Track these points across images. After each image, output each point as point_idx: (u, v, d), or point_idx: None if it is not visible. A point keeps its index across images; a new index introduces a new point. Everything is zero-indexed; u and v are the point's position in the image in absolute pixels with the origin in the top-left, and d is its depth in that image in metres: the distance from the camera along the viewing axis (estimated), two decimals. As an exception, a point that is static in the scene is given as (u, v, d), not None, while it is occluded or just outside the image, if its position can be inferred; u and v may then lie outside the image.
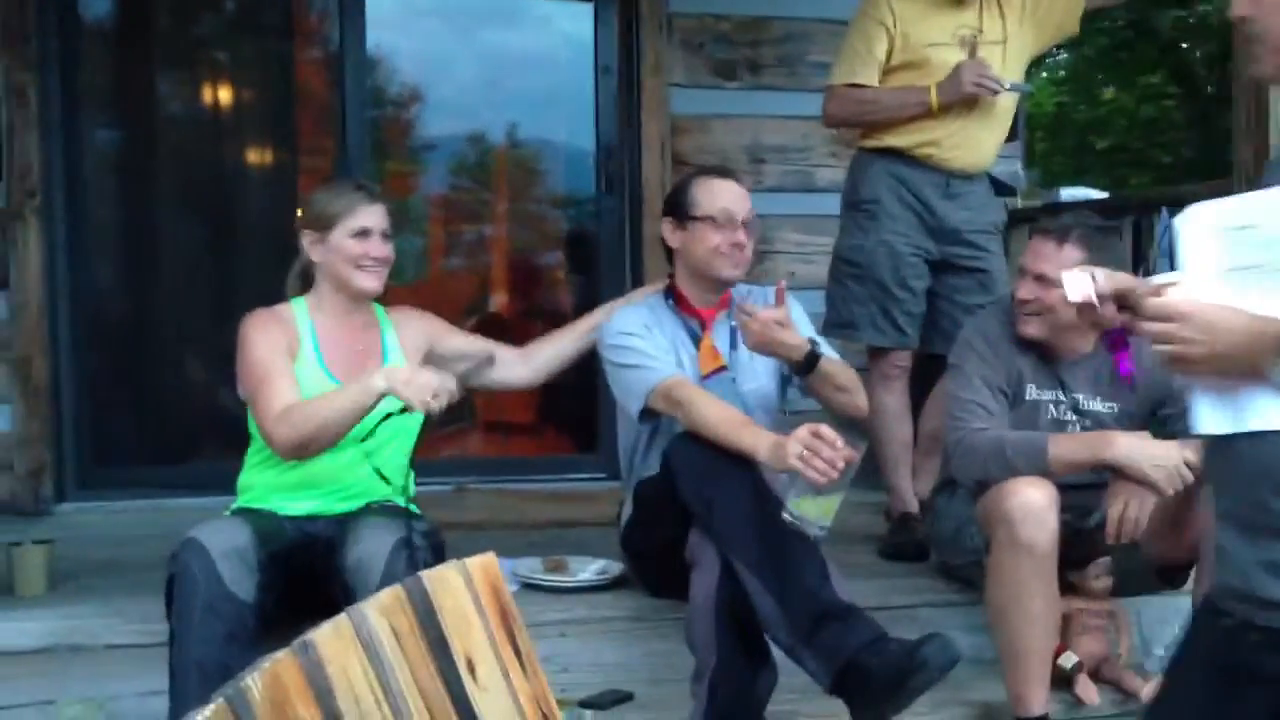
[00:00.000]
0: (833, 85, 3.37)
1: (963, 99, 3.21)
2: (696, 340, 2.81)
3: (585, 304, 5.01)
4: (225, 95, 4.84)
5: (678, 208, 2.82)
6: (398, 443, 2.62)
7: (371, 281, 2.67)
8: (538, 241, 6.52)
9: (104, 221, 4.45)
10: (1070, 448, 2.54)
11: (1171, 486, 2.46)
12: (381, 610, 1.09)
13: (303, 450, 2.47)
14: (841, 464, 2.29)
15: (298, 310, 2.71)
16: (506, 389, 2.98)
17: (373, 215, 2.66)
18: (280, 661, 1.05)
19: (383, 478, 2.58)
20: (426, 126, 6.22)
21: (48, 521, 3.84)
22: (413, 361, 2.72)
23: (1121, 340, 2.71)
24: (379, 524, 2.43)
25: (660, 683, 2.70)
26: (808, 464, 2.28)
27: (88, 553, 3.29)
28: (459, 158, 6.50)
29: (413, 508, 2.73)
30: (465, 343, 2.89)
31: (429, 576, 1.13)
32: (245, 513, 2.58)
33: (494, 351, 2.85)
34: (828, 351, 2.73)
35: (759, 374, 2.81)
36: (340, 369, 2.64)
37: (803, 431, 2.32)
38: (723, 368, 2.77)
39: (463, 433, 5.79)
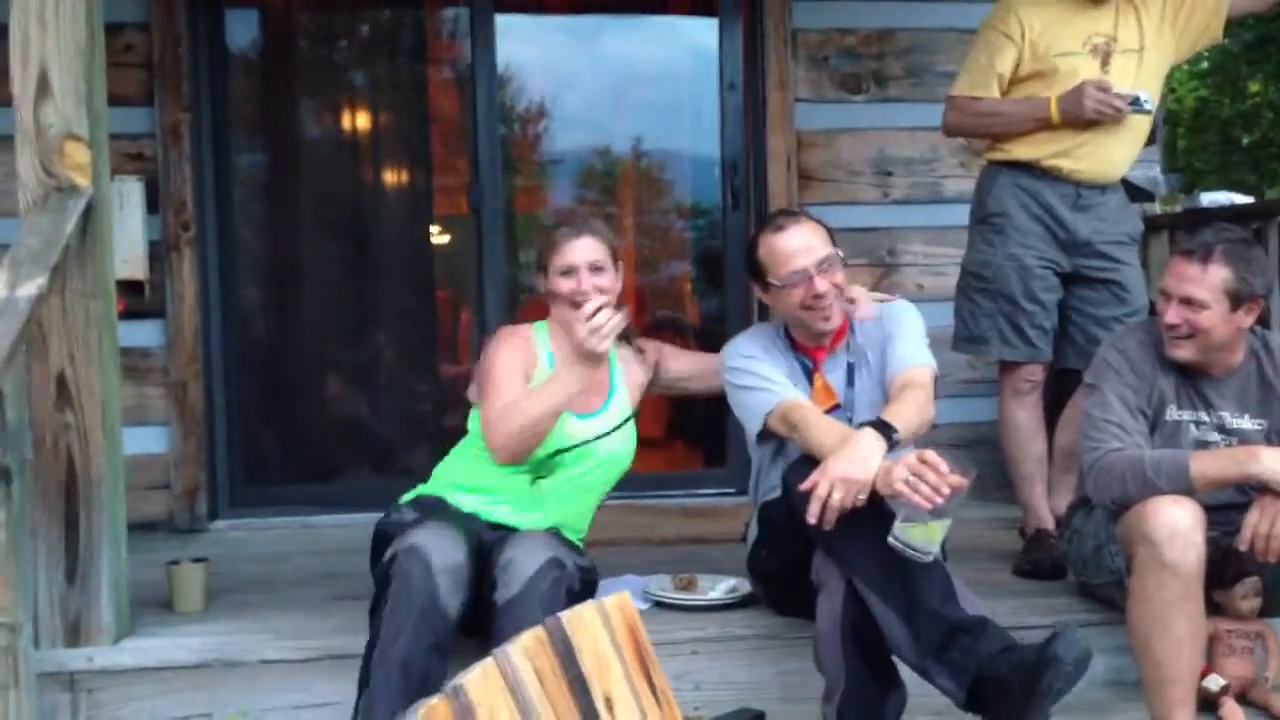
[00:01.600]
0: (953, 95, 3.34)
1: (1084, 118, 3.14)
2: (809, 376, 2.80)
3: (713, 318, 5.05)
4: (362, 118, 5.02)
5: (756, 274, 2.81)
6: (582, 497, 2.78)
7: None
8: (665, 254, 6.57)
9: (251, 247, 4.65)
10: (1214, 464, 2.48)
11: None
12: (525, 653, 1.13)
13: (520, 450, 2.60)
14: (947, 490, 2.27)
15: (539, 333, 2.83)
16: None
17: (577, 250, 2.71)
18: (435, 707, 1.10)
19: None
20: (554, 141, 6.33)
21: (202, 538, 4.04)
22: (631, 400, 2.86)
23: None
24: (542, 536, 2.54)
25: (792, 701, 2.71)
26: (913, 490, 2.27)
27: (241, 569, 3.46)
28: (586, 171, 6.60)
29: (577, 541, 2.82)
30: (690, 364, 2.98)
31: (568, 618, 1.17)
32: (424, 505, 2.71)
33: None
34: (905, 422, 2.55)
35: (870, 405, 2.76)
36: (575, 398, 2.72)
37: (911, 457, 2.32)
38: (837, 405, 2.76)
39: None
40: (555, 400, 2.59)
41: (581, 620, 1.16)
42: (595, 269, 2.71)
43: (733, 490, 4.36)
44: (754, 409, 2.72)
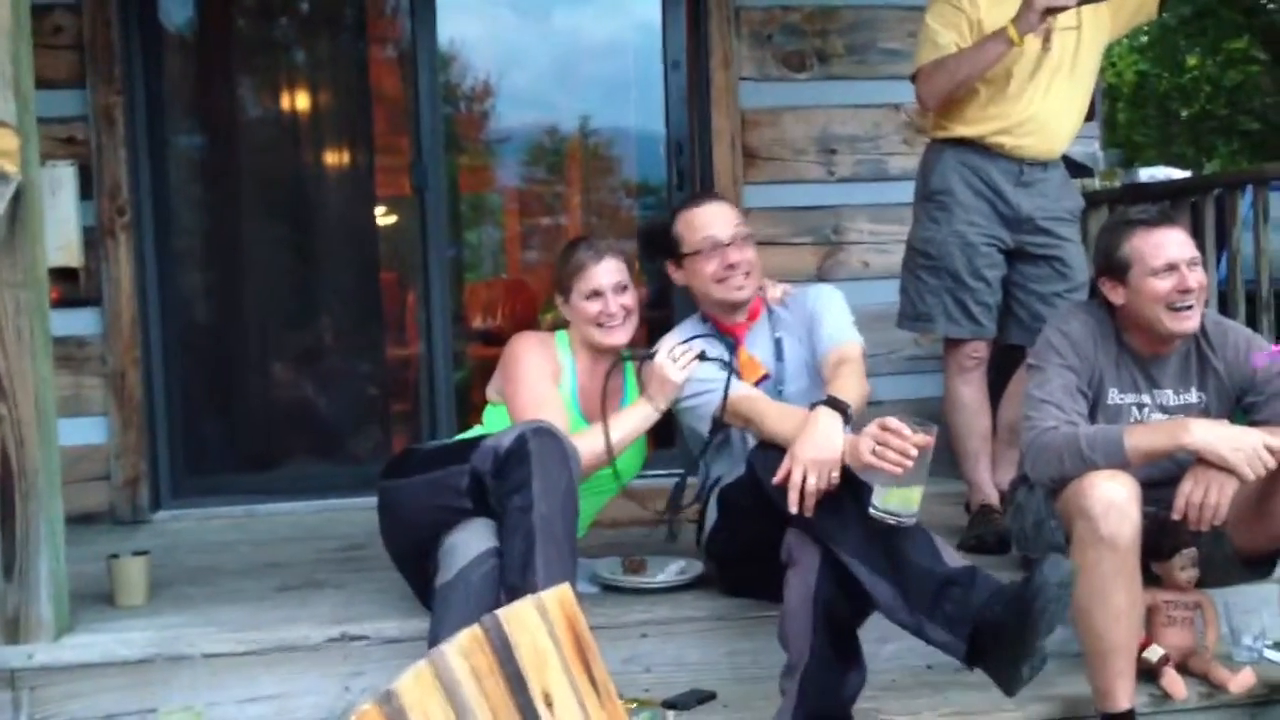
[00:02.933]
0: (919, 68, 3.32)
1: (1042, 21, 3.11)
2: (733, 352, 2.84)
3: (662, 296, 5.03)
4: (302, 97, 4.95)
5: (670, 250, 2.90)
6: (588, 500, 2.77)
7: (617, 336, 2.82)
8: (613, 233, 6.55)
9: (189, 231, 4.57)
10: (1147, 437, 2.51)
11: (1253, 470, 2.42)
12: (461, 651, 1.12)
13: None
14: (914, 451, 2.30)
15: (561, 343, 2.91)
16: None
17: (601, 274, 2.80)
18: (366, 713, 1.09)
19: None
20: (500, 119, 6.29)
21: (144, 530, 3.98)
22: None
23: None
24: (485, 527, 2.50)
25: (743, 680, 2.72)
26: (882, 458, 2.30)
27: (184, 560, 3.41)
28: (533, 149, 6.56)
29: None
30: None
31: (505, 614, 1.16)
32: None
33: None
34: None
35: (799, 378, 2.83)
36: (588, 410, 2.84)
37: (872, 427, 2.36)
38: (765, 376, 2.81)
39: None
40: (641, 425, 2.75)
41: (519, 616, 1.16)
42: (620, 289, 2.81)
43: (682, 471, 4.35)
44: (702, 414, 2.77)
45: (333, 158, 5.11)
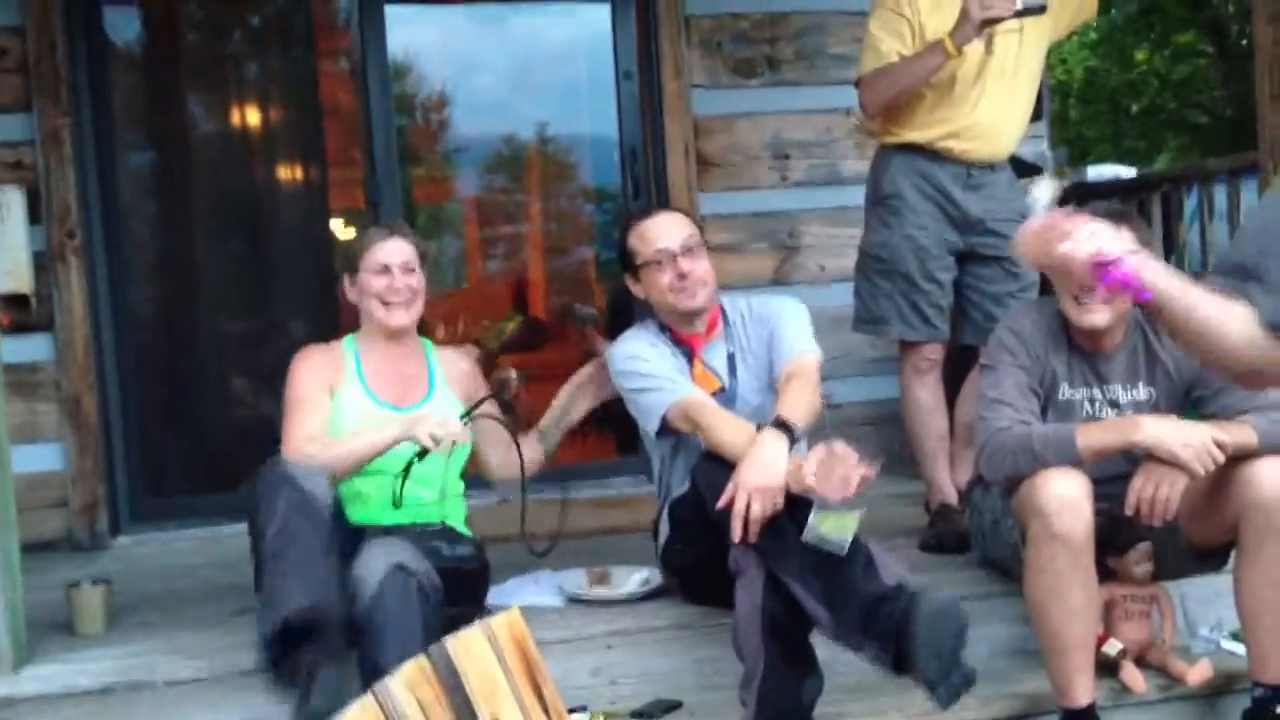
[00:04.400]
0: (861, 76, 3.36)
1: (979, 33, 3.14)
2: (690, 362, 2.86)
3: (621, 302, 5.04)
4: (253, 113, 4.93)
5: (625, 262, 2.92)
6: (434, 467, 2.71)
7: (398, 316, 2.81)
8: (572, 240, 6.56)
9: (142, 251, 4.54)
10: (1098, 435, 2.55)
11: (1202, 465, 2.46)
12: (407, 684, 1.12)
13: None
14: (856, 480, 2.32)
15: (347, 344, 2.89)
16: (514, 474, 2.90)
17: (390, 250, 2.80)
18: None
19: (395, 503, 2.71)
20: (456, 130, 6.29)
21: (104, 556, 3.93)
22: (457, 396, 2.87)
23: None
24: (385, 544, 2.50)
25: (709, 689, 2.72)
26: (824, 483, 2.32)
27: (145, 586, 3.38)
28: (490, 158, 6.56)
29: (461, 528, 2.80)
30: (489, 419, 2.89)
31: (452, 643, 1.16)
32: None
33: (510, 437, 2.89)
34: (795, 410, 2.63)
35: (754, 393, 2.83)
36: (388, 393, 2.81)
37: (820, 450, 2.36)
38: (719, 390, 2.82)
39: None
40: (366, 451, 2.65)
41: (466, 645, 1.16)
42: (407, 269, 2.81)
43: (646, 479, 4.37)
44: (650, 409, 2.77)
45: (285, 172, 5.09)
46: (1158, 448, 2.49)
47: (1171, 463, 2.49)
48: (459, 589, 2.58)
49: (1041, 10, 3.14)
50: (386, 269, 2.79)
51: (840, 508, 2.33)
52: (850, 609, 2.33)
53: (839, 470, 2.32)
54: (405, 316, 2.82)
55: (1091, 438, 2.53)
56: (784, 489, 2.41)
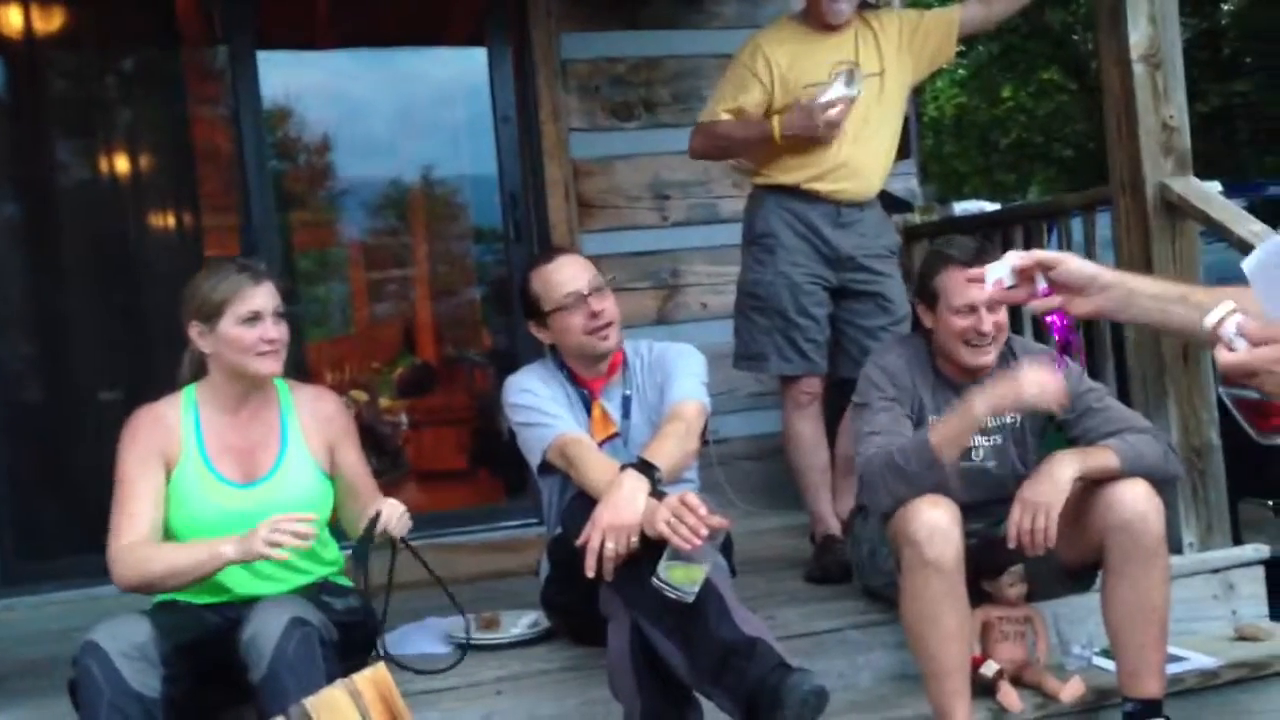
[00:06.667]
0: (699, 121, 3.48)
1: (809, 133, 3.28)
2: (588, 407, 2.87)
3: (507, 344, 5.04)
4: (123, 161, 4.82)
5: (531, 310, 2.88)
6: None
7: (271, 365, 2.58)
8: (460, 279, 6.54)
9: (11, 304, 4.40)
10: (945, 428, 2.61)
11: (1055, 401, 2.57)
12: (265, 745, 1.11)
13: (143, 590, 2.49)
14: (705, 532, 2.34)
15: (185, 403, 2.63)
16: None
17: (261, 296, 2.56)
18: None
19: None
20: (339, 173, 6.23)
21: (-24, 620, 3.79)
22: (315, 446, 2.66)
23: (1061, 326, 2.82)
24: (277, 602, 2.41)
25: (598, 729, 2.74)
26: (674, 531, 2.34)
27: (18, 653, 3.26)
28: (375, 201, 6.51)
29: (341, 580, 2.75)
30: (355, 465, 2.71)
31: (313, 703, 1.16)
32: (161, 606, 2.56)
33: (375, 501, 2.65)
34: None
35: (646, 436, 2.82)
36: (229, 467, 2.59)
37: (673, 499, 2.39)
38: (615, 434, 2.84)
39: (394, 485, 5.79)
40: (189, 573, 2.42)
41: (328, 703, 1.15)
42: (279, 317, 2.59)
43: (535, 521, 4.36)
44: (533, 445, 2.78)
45: (159, 220, 4.99)
46: (1000, 408, 2.60)
47: (1021, 406, 2.59)
48: (349, 641, 2.53)
49: (857, 93, 3.27)
50: (258, 316, 2.55)
51: (690, 557, 2.34)
52: (703, 655, 2.33)
53: (690, 520, 2.33)
54: (278, 364, 2.59)
55: (941, 433, 2.60)
56: (639, 530, 2.41)
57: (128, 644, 2.30)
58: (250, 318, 2.55)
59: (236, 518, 2.50)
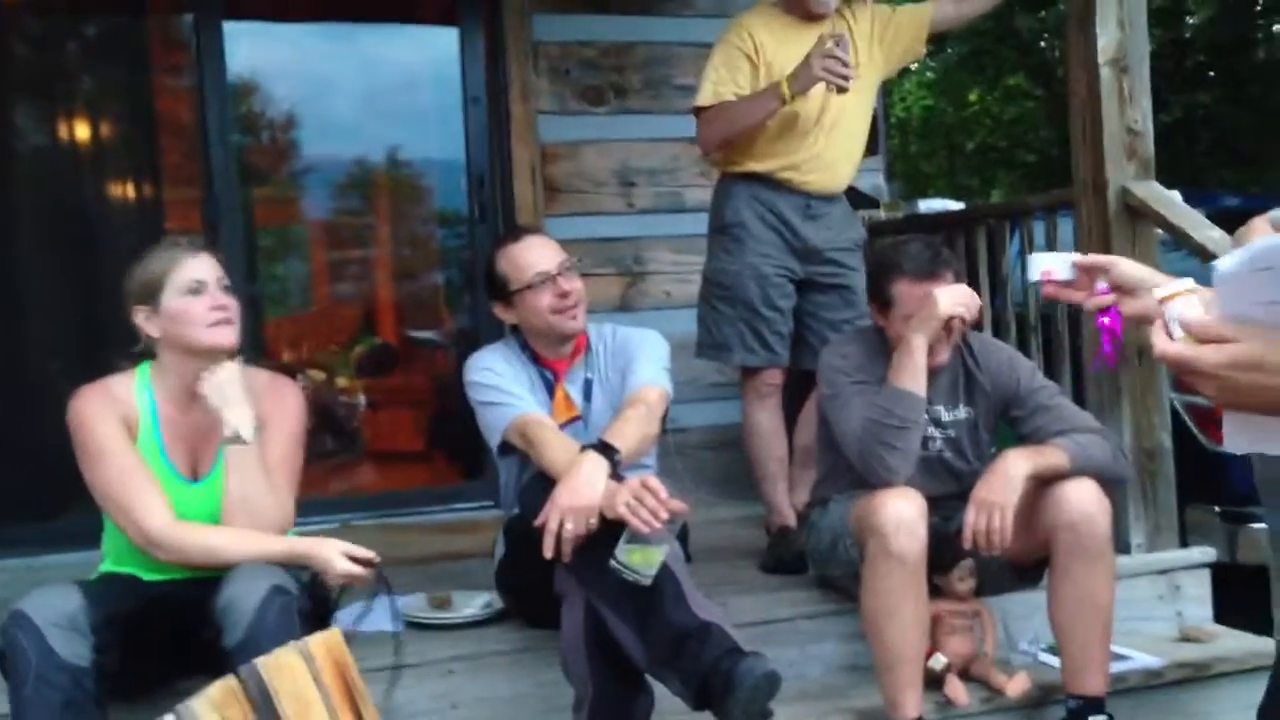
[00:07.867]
0: (698, 107, 3.42)
1: (814, 83, 3.22)
2: (550, 389, 2.86)
3: (470, 327, 5.02)
4: (84, 128, 4.75)
5: (497, 290, 2.85)
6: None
7: (225, 334, 2.47)
8: (422, 261, 6.49)
9: (-36, 272, 4.34)
10: (899, 368, 2.71)
11: (969, 310, 2.70)
12: (211, 704, 1.10)
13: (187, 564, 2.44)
14: (665, 515, 2.34)
15: (139, 383, 2.54)
16: None
17: (201, 265, 2.47)
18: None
19: None
20: (303, 150, 6.16)
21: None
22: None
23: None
24: (254, 569, 2.35)
25: (552, 711, 2.73)
26: (633, 513, 2.33)
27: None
28: (339, 180, 6.44)
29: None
30: (273, 455, 2.51)
31: (264, 663, 1.15)
32: (101, 578, 2.52)
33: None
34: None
35: (607, 419, 2.80)
36: (180, 459, 2.51)
37: (634, 482, 2.38)
38: (576, 418, 2.83)
39: (349, 465, 5.75)
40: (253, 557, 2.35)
41: (280, 664, 1.14)
42: (224, 287, 2.50)
43: (491, 504, 4.34)
44: (493, 424, 2.76)
45: (118, 190, 4.92)
46: (929, 330, 2.68)
47: (999, 482, 2.61)
48: (310, 617, 2.50)
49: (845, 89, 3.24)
50: (201, 285, 2.45)
51: (648, 540, 2.35)
52: (658, 639, 2.33)
53: (650, 502, 2.33)
54: (233, 334, 2.48)
55: (897, 374, 2.70)
56: (598, 511, 2.40)
57: (57, 613, 2.24)
58: (194, 288, 2.46)
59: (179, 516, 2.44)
